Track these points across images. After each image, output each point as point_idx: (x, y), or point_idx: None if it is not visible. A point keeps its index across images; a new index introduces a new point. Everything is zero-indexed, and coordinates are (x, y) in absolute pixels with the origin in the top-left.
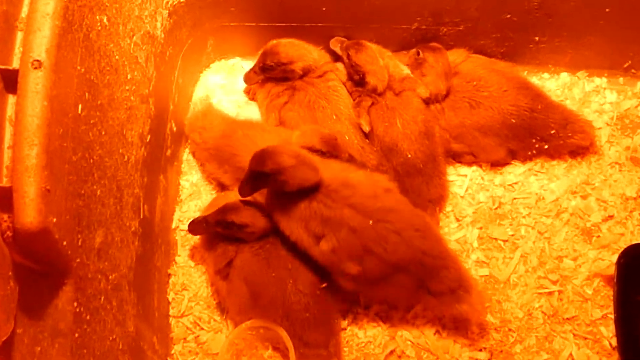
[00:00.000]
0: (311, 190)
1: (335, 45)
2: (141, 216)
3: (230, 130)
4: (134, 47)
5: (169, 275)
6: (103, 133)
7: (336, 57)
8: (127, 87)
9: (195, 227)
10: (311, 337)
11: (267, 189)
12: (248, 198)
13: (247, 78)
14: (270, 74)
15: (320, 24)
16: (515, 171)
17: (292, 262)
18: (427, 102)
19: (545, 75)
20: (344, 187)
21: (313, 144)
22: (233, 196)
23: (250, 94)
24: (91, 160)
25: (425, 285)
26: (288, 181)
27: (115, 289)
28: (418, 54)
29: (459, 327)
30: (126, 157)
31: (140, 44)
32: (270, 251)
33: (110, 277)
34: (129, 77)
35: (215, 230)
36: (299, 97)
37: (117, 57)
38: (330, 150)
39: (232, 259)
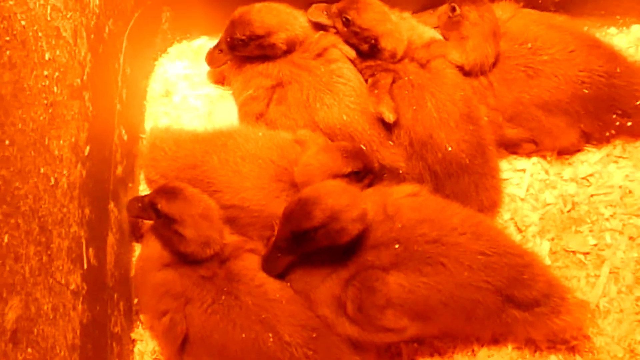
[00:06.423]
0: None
1: (318, 15)
2: (85, 266)
3: (200, 156)
4: (51, 12)
5: (134, 341)
6: (7, 142)
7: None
8: (45, 73)
9: (131, 205)
10: None
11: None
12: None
13: (211, 59)
14: (242, 52)
15: None
16: (590, 159)
17: (265, 308)
18: (466, 73)
19: (612, 30)
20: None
21: (338, 169)
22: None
23: (222, 78)
24: None
25: (509, 296)
26: (347, 227)
27: None
28: (453, 10)
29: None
30: (52, 179)
31: (63, 9)
32: (229, 304)
33: None
34: (47, 57)
35: (149, 217)
36: (293, 94)
37: (23, 22)
38: (363, 166)
39: (184, 333)
